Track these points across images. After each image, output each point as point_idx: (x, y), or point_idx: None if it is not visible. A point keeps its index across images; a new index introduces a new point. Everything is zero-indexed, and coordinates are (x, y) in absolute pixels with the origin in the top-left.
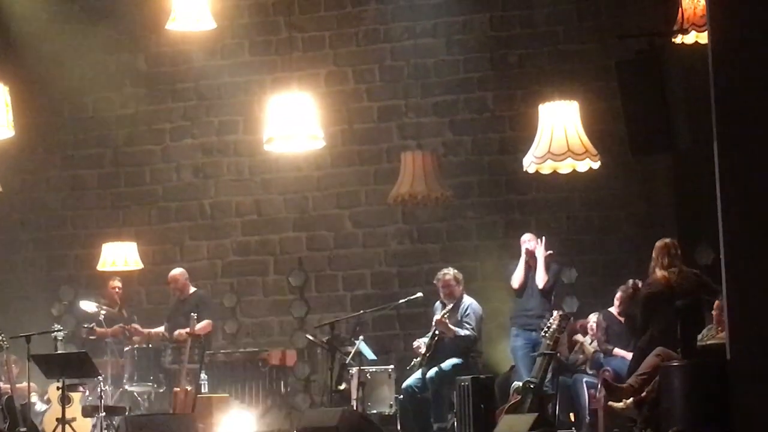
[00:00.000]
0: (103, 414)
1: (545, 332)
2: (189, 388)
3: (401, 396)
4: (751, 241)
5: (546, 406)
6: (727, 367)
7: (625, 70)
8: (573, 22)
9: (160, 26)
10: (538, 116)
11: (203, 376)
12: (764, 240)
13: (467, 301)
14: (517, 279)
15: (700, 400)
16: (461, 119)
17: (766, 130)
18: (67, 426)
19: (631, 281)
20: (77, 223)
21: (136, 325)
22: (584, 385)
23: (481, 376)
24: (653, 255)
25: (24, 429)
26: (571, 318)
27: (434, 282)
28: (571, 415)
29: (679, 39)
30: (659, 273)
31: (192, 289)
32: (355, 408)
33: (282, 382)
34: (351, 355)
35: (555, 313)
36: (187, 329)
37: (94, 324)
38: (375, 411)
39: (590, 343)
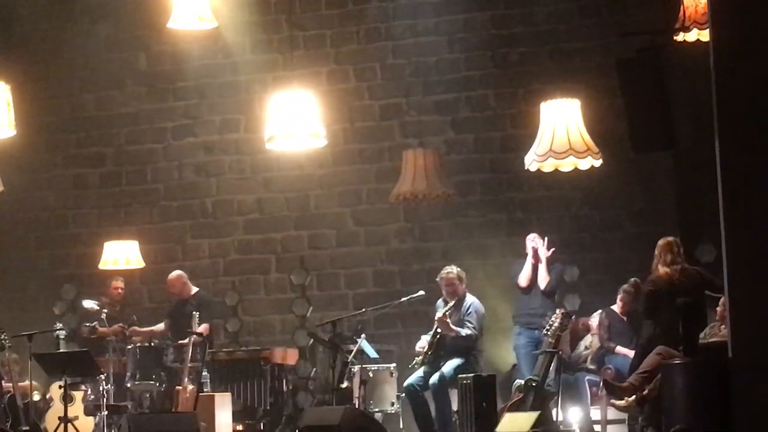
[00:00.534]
0: (105, 412)
1: (547, 330)
2: (191, 386)
3: (403, 394)
4: (753, 238)
5: (548, 405)
6: (729, 364)
7: (627, 68)
8: (574, 20)
9: (161, 25)
10: (540, 114)
11: (205, 374)
12: (766, 238)
13: (470, 299)
14: (524, 277)
15: (701, 397)
16: (463, 117)
17: None
18: (69, 424)
19: (632, 280)
20: (79, 221)
21: (136, 327)
22: (586, 383)
23: (483, 374)
24: (656, 252)
25: (26, 428)
26: (573, 316)
27: (437, 280)
28: (573, 413)
29: (680, 37)
30: (661, 270)
31: (194, 290)
32: (357, 406)
33: (284, 381)
34: (353, 353)
35: (557, 311)
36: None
37: (96, 323)
38: (377, 409)
39: (591, 341)
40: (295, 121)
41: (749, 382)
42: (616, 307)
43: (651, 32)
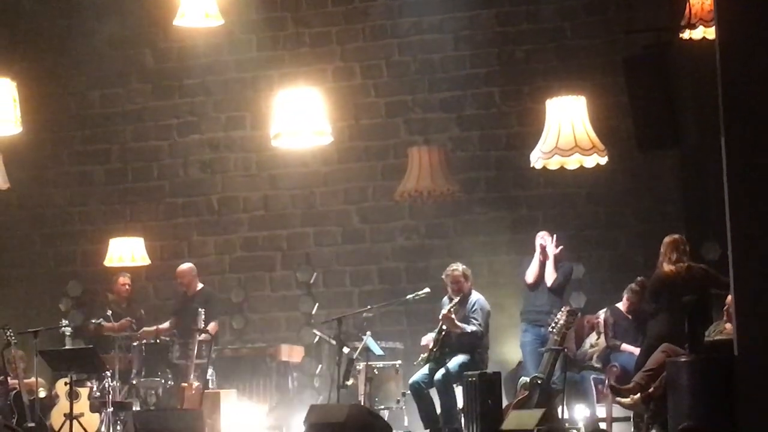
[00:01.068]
0: (111, 409)
1: (552, 328)
2: (196, 383)
3: (408, 391)
4: (759, 236)
5: (553, 402)
6: (735, 362)
7: (633, 66)
8: (580, 18)
9: (166, 22)
10: (546, 112)
11: (211, 371)
12: None
13: (475, 296)
14: (531, 274)
15: (707, 395)
16: (468, 115)
17: None
18: (74, 421)
19: (639, 278)
20: (84, 218)
21: (146, 328)
22: (592, 381)
23: (488, 371)
24: (661, 250)
25: (32, 424)
26: (579, 314)
27: (442, 277)
28: (579, 410)
29: (686, 34)
30: (667, 268)
31: (199, 286)
32: (362, 403)
33: (289, 378)
34: (358, 350)
35: (563, 308)
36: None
37: (101, 319)
38: (382, 406)
39: (597, 339)
40: (300, 119)
41: (755, 380)
42: (622, 305)
43: (657, 30)
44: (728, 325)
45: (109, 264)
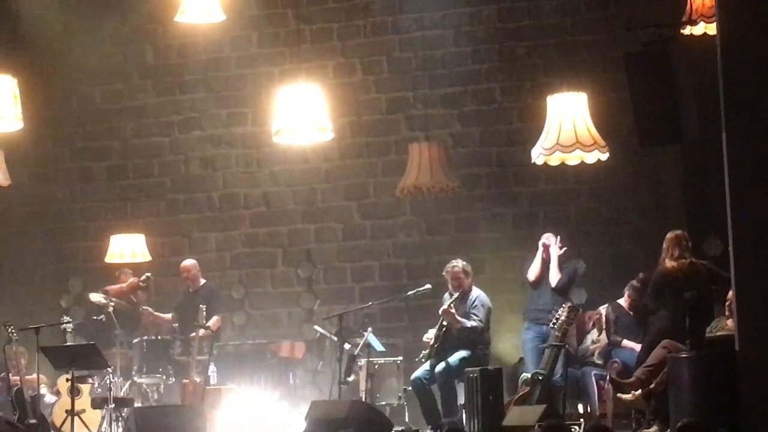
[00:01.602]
0: (113, 405)
1: (554, 324)
2: (198, 379)
3: (410, 387)
4: (760, 232)
5: (555, 398)
6: (736, 358)
7: (634, 62)
8: (581, 14)
9: (167, 18)
10: (546, 108)
11: (212, 367)
12: None
13: (475, 292)
14: (533, 272)
15: (708, 391)
16: (469, 111)
17: None
18: (76, 417)
19: (641, 275)
20: (85, 215)
21: (150, 309)
22: (593, 377)
23: (490, 367)
24: (664, 246)
25: (33, 420)
26: (580, 310)
27: (443, 273)
28: (580, 406)
29: (687, 30)
30: (669, 264)
31: (202, 281)
32: (363, 399)
33: (290, 374)
34: (360, 346)
35: (564, 305)
36: (200, 329)
37: (103, 316)
38: (384, 402)
39: (598, 335)
40: (301, 115)
41: (755, 376)
42: (623, 301)
43: (658, 26)
44: (729, 321)
45: (110, 260)
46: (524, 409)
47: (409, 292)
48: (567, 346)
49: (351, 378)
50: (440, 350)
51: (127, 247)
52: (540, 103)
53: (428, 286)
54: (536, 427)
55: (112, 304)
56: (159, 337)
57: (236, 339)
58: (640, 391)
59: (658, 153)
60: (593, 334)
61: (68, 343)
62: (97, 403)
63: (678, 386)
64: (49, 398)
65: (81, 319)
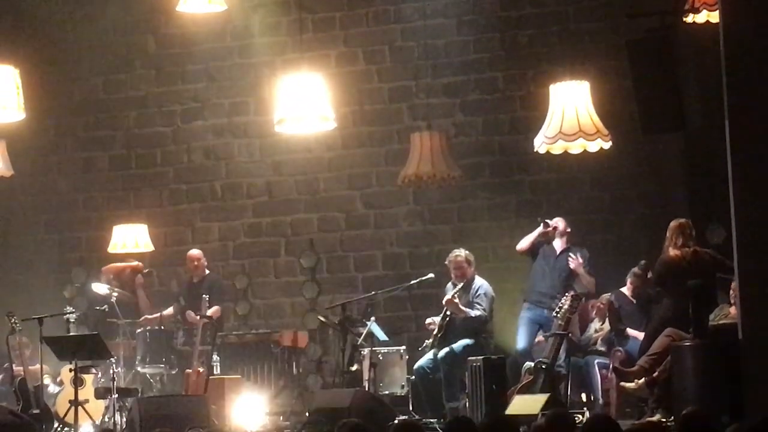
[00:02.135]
0: (116, 396)
1: (557, 313)
2: (201, 369)
3: (413, 377)
4: (763, 220)
5: (558, 387)
6: (739, 346)
7: (636, 50)
8: (583, 2)
9: (169, 8)
10: (549, 96)
11: (215, 357)
12: None
13: (478, 282)
14: (524, 244)
15: (712, 379)
16: (472, 100)
17: None
18: (79, 408)
19: (643, 262)
20: (88, 205)
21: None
22: (596, 366)
23: (493, 356)
24: (667, 234)
25: (37, 411)
26: (583, 298)
27: (446, 263)
28: (584, 395)
29: (690, 18)
30: (673, 252)
31: (206, 272)
32: (367, 389)
33: (294, 364)
34: (363, 336)
35: (567, 293)
36: (200, 314)
37: (106, 306)
38: (387, 392)
39: (601, 324)
40: (304, 104)
41: (759, 364)
42: (626, 290)
43: (660, 13)
44: (732, 309)
45: (113, 251)
46: (527, 398)
47: (412, 282)
48: (570, 334)
49: (354, 367)
50: (443, 340)
51: (130, 237)
52: (543, 92)
53: (431, 275)
54: (540, 415)
55: (115, 294)
56: (162, 327)
57: (239, 329)
58: (643, 379)
59: (661, 141)
60: (596, 323)
61: (71, 334)
62: (101, 393)
63: (681, 374)
64: (52, 388)
65: (84, 309)
